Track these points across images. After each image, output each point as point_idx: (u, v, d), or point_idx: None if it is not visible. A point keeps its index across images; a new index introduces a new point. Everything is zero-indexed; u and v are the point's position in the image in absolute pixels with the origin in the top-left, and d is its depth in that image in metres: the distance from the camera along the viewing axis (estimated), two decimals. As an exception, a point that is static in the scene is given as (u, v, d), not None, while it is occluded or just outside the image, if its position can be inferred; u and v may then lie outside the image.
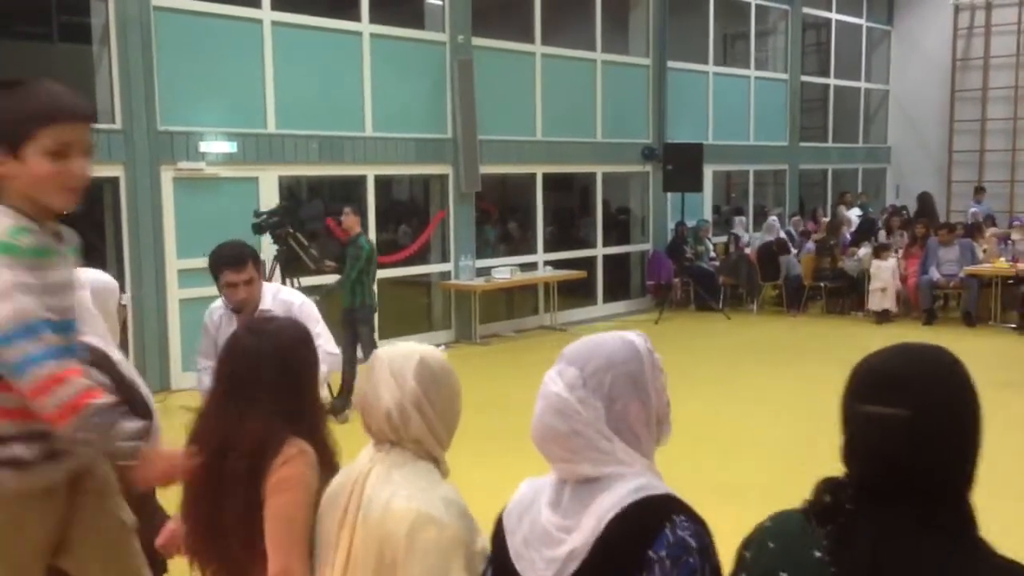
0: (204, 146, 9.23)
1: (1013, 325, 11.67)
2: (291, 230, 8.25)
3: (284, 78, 9.78)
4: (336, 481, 2.09)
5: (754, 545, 1.58)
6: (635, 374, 1.70)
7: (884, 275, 12.46)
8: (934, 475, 1.46)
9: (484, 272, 11.73)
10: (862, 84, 18.74)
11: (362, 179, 10.74)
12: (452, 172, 11.44)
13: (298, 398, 2.28)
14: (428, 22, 11.60)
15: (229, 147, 9.41)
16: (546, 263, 12.65)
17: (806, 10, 16.96)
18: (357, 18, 10.54)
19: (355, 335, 8.24)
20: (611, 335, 1.75)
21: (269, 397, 2.22)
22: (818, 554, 1.47)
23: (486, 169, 11.65)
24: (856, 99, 18.72)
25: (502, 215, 15.02)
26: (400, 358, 2.00)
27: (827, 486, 1.52)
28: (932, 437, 1.46)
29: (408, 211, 14.60)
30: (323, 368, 3.13)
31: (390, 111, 10.73)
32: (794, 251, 13.83)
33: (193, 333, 5.91)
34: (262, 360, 2.24)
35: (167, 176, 9.05)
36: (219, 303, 4.20)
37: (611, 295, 13.72)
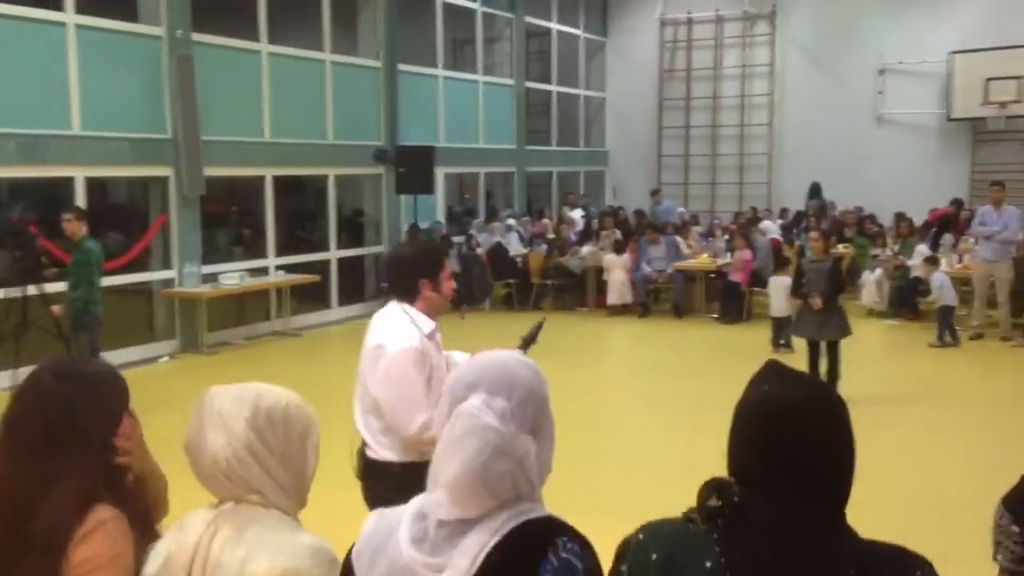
0: None
1: (715, 315, 12.83)
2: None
3: (-26, 70, 8.86)
4: (164, 550, 1.76)
5: (631, 559, 1.55)
6: (546, 401, 1.61)
7: (616, 271, 13.30)
8: (819, 468, 1.52)
9: (212, 278, 11.25)
10: (581, 91, 19.85)
11: (69, 181, 9.94)
12: (173, 174, 10.87)
13: (109, 453, 1.93)
14: (143, 15, 10.94)
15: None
16: (278, 267, 12.33)
17: (528, 19, 17.71)
18: (61, 8, 9.75)
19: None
20: (510, 356, 1.63)
21: (80, 453, 1.86)
22: (709, 563, 1.48)
23: (211, 171, 11.16)
24: (576, 105, 19.80)
25: (233, 219, 14.48)
26: (231, 398, 1.76)
27: (713, 488, 1.52)
28: (814, 427, 1.53)
29: (126, 216, 13.70)
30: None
31: (101, 109, 10.01)
32: (525, 250, 14.42)
33: None
34: (76, 410, 1.88)
35: None
36: None
37: (346, 298, 13.61)
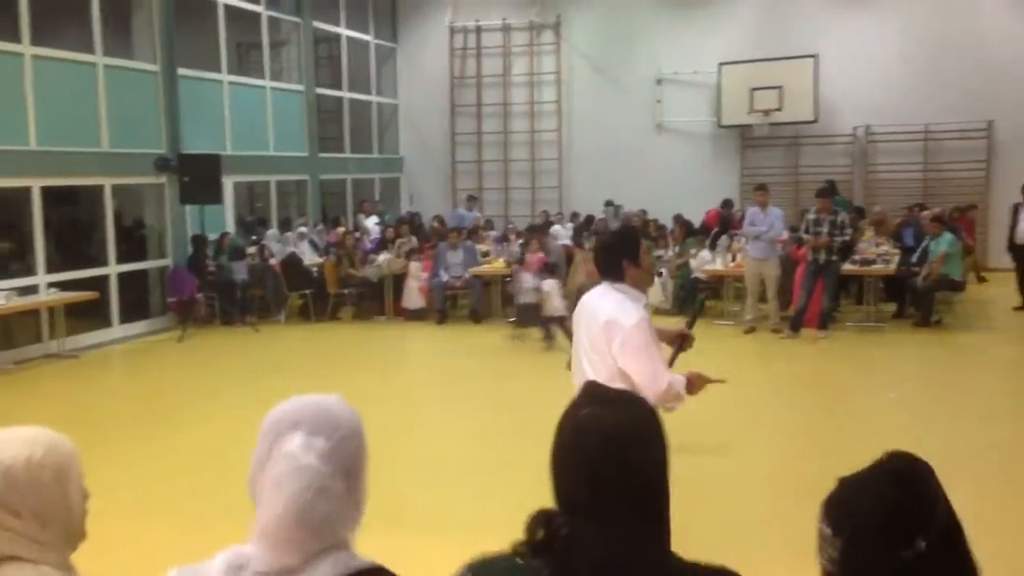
0: None
1: (512, 319, 13.08)
2: None
3: None
4: None
5: None
6: (365, 442, 1.59)
7: (421, 275, 13.30)
8: (646, 489, 1.50)
9: (-28, 300, 10.30)
10: (373, 98, 19.73)
11: None
12: (-77, 187, 9.88)
13: None
14: None
15: None
16: (50, 285, 11.47)
17: (317, 24, 17.40)
18: None
19: None
20: (331, 398, 1.59)
21: None
22: None
23: (-32, 183, 10.23)
24: (369, 112, 19.66)
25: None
26: None
27: (540, 520, 1.49)
28: (638, 447, 1.51)
29: None
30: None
31: None
32: (320, 260, 14.15)
33: None
34: None
35: None
36: None
37: (129, 315, 12.83)
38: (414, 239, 14.74)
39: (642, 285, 3.85)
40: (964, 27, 16.78)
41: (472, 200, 18.63)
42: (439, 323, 13.11)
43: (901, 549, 1.45)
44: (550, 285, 11.12)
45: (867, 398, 8.58)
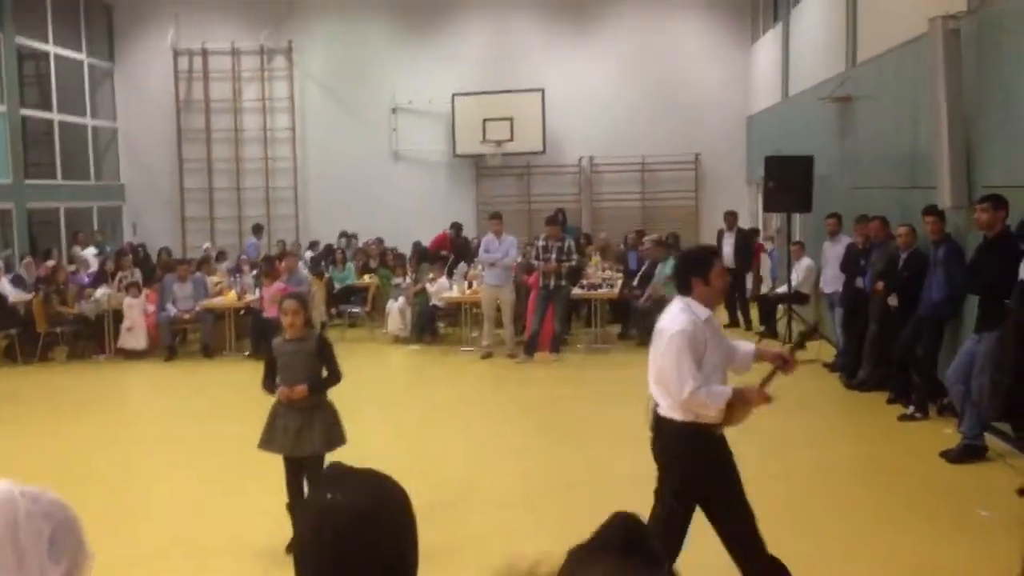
0: None
1: (247, 352, 12.56)
2: None
3: None
4: None
5: None
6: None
7: (133, 313, 12.41)
8: (388, 570, 1.47)
9: None
10: (88, 121, 18.38)
11: None
12: None
13: None
14: None
15: None
16: None
17: (21, 40, 15.98)
18: None
19: None
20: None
21: None
22: None
23: None
24: (84, 136, 18.28)
25: None
26: None
27: None
28: (383, 528, 1.48)
29: None
30: None
31: None
32: (28, 296, 12.87)
33: None
34: None
35: None
36: None
37: None
38: (137, 272, 13.81)
39: (710, 303, 4.18)
40: (670, 69, 18.26)
41: (259, 229, 17.79)
42: (167, 359, 12.34)
43: None
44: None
45: (594, 417, 8.98)
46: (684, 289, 4.18)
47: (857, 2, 11.39)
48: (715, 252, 4.66)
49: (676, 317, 4.08)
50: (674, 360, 3.99)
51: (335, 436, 5.36)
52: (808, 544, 5.16)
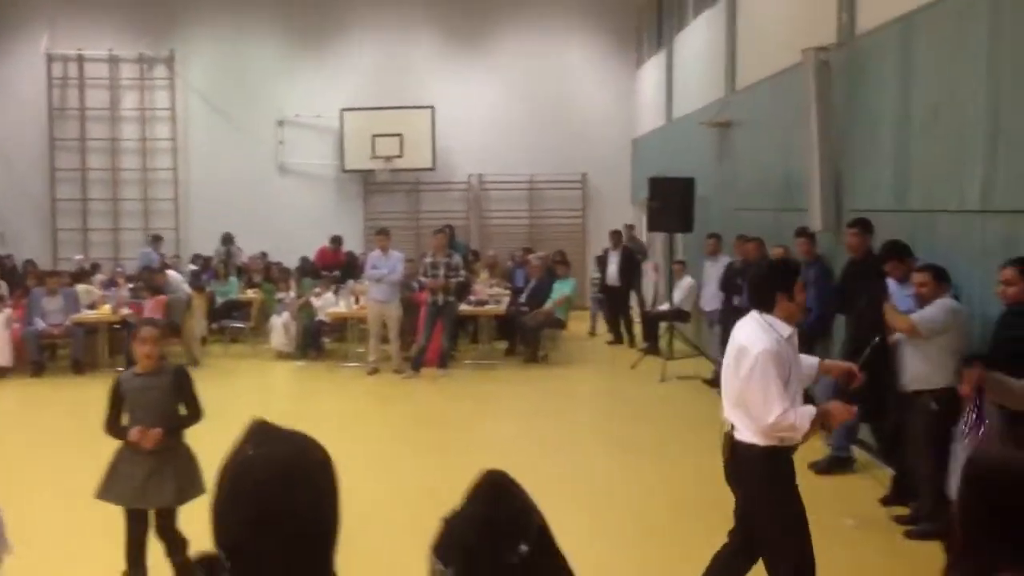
0: None
1: (121, 368, 12.06)
2: None
3: None
4: None
5: None
6: None
7: (12, 323, 11.82)
8: (314, 528, 1.47)
9: None
10: (-47, 125, 17.44)
11: None
12: None
13: None
14: None
15: None
16: None
17: None
18: None
19: None
20: None
21: None
22: None
23: None
24: (-53, 140, 17.34)
25: None
26: None
27: (202, 565, 1.45)
28: (304, 486, 1.48)
29: None
30: None
31: None
32: None
33: None
34: None
35: None
36: None
37: None
38: (3, 284, 13.15)
39: (791, 318, 3.94)
40: (558, 90, 18.54)
41: (157, 240, 17.05)
42: (34, 375, 11.76)
43: (506, 556, 1.51)
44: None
45: (482, 433, 9.00)
46: (766, 305, 3.90)
47: (736, 31, 11.84)
48: (800, 265, 4.59)
49: (758, 336, 3.80)
50: (759, 382, 3.74)
51: (190, 485, 4.60)
52: (666, 552, 5.28)
